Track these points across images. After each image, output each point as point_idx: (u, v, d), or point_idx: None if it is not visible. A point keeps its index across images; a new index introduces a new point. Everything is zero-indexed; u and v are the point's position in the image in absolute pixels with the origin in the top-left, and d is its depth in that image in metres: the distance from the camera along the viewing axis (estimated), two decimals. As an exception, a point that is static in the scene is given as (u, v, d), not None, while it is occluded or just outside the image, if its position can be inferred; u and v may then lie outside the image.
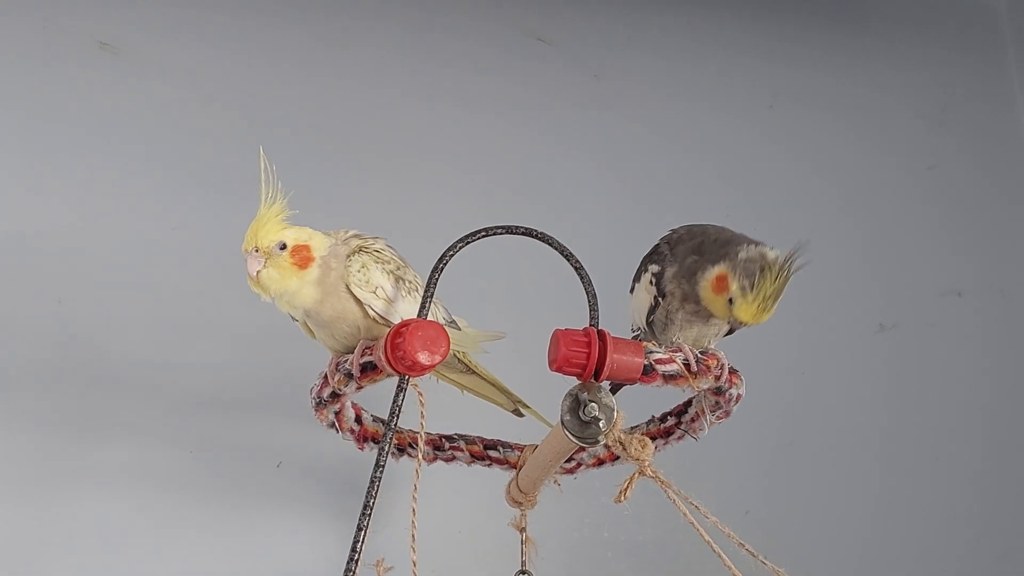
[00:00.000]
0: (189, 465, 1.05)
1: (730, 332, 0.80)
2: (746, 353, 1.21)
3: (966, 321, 1.33)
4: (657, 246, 0.77)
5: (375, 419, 0.81)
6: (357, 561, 0.60)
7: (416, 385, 0.67)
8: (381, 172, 1.21)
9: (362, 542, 0.61)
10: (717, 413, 0.76)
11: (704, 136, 1.35)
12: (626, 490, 0.64)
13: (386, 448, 0.62)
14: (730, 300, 0.71)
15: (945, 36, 1.47)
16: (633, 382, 0.68)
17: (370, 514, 0.62)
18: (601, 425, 0.64)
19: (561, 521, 1.10)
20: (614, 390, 0.87)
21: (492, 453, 0.86)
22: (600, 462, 0.86)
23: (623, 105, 1.33)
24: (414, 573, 0.65)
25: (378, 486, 0.63)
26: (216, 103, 1.19)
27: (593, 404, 0.64)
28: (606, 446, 0.70)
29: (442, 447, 0.86)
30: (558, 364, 0.65)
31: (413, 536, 0.65)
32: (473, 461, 0.87)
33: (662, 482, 0.63)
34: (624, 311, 0.87)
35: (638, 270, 0.79)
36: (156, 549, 1.02)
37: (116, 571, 1.00)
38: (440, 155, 1.24)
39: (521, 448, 0.87)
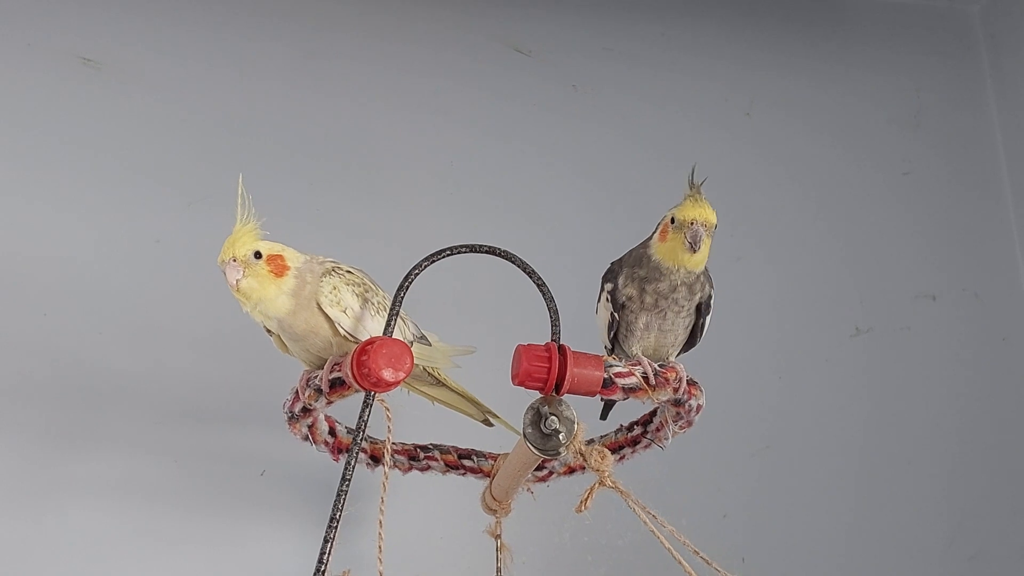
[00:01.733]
0: (175, 474, 1.07)
1: (694, 338, 0.81)
2: (723, 358, 1.24)
3: (941, 324, 1.35)
4: (611, 264, 0.80)
5: (349, 431, 0.83)
6: (324, 572, 0.61)
7: (383, 400, 0.68)
8: (360, 183, 1.23)
9: (329, 552, 0.62)
10: (679, 423, 0.78)
11: (682, 144, 1.36)
12: (586, 500, 0.66)
13: (352, 463, 0.64)
14: (672, 220, 0.74)
15: (919, 41, 1.49)
16: (594, 395, 0.70)
17: (336, 526, 0.64)
18: (562, 437, 0.66)
19: (541, 526, 1.12)
20: (607, 407, 0.89)
21: (466, 462, 0.88)
22: (571, 470, 0.87)
23: (601, 114, 1.35)
24: (381, 582, 0.67)
25: (344, 499, 0.64)
26: (197, 116, 1.21)
27: (554, 417, 0.66)
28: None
29: (417, 457, 0.88)
30: (520, 379, 0.67)
31: (380, 547, 0.67)
32: (448, 470, 0.89)
33: (621, 492, 0.65)
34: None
35: (599, 290, 0.81)
36: (142, 557, 1.04)
37: (100, 579, 1.02)
38: (418, 166, 1.26)
39: (494, 457, 0.89)
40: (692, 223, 0.72)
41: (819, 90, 1.43)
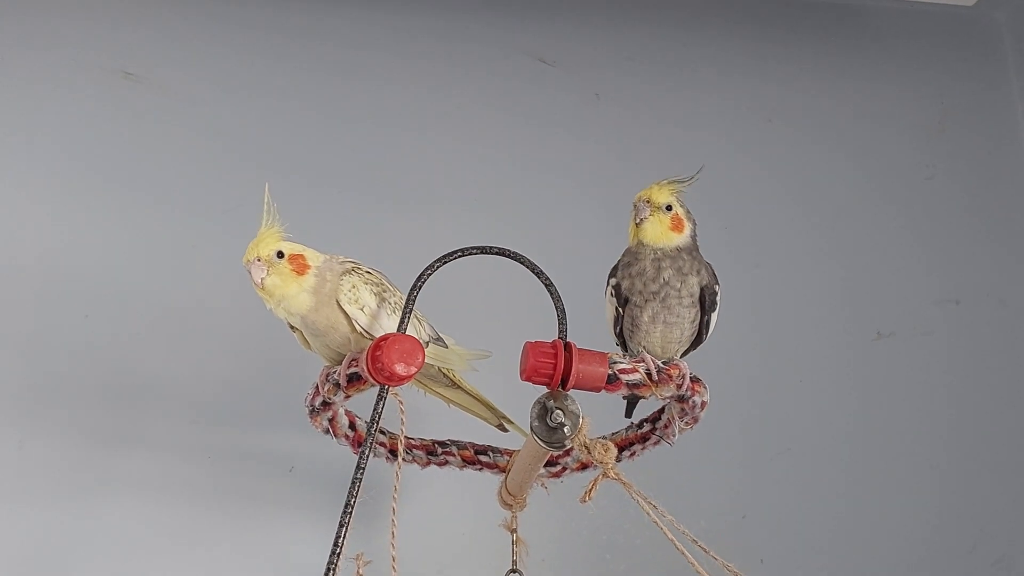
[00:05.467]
0: (207, 471, 1.11)
1: (700, 336, 0.84)
2: (744, 361, 1.26)
3: (964, 329, 1.34)
4: (617, 261, 0.83)
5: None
6: (339, 555, 0.65)
7: (396, 394, 0.72)
8: (384, 192, 1.26)
9: (344, 536, 0.66)
10: (685, 419, 0.80)
11: (704, 150, 1.37)
12: (590, 491, 0.68)
13: (366, 452, 0.67)
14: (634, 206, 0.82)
15: (944, 45, 1.49)
16: (599, 390, 0.72)
17: (351, 511, 0.67)
18: (567, 431, 0.68)
19: (559, 524, 1.14)
20: (631, 404, 0.92)
21: (483, 458, 0.91)
22: (584, 466, 0.90)
23: (623, 122, 1.37)
24: (393, 568, 0.70)
25: (359, 486, 0.68)
26: (231, 127, 1.26)
27: (559, 411, 0.69)
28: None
29: (435, 452, 0.91)
30: (527, 374, 0.70)
31: (393, 533, 0.70)
32: (465, 466, 0.91)
33: (624, 483, 0.68)
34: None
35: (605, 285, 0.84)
36: (177, 550, 1.08)
37: (138, 574, 1.07)
38: (442, 174, 1.29)
39: (510, 453, 0.91)
40: (636, 203, 0.81)
41: (842, 96, 1.43)
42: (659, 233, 0.80)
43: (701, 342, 0.84)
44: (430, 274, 0.73)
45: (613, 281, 0.82)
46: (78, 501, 1.07)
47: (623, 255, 0.83)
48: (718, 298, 0.81)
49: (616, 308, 0.81)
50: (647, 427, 0.86)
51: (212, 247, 1.20)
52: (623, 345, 0.83)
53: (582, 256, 1.23)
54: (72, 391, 1.11)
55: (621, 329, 0.82)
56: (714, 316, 0.82)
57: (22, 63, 1.24)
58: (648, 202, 0.80)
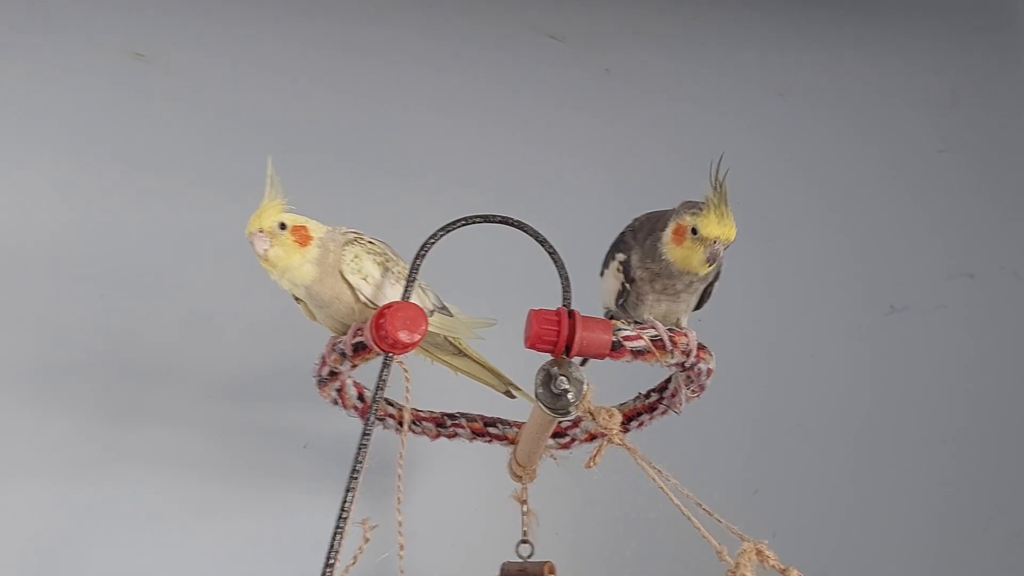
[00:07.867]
0: (221, 448, 1.12)
1: (701, 302, 0.83)
2: (755, 336, 1.25)
3: (977, 303, 1.33)
4: (622, 234, 0.81)
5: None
6: (346, 519, 0.66)
7: (401, 362, 0.73)
8: (393, 168, 1.27)
9: (350, 502, 0.67)
10: (692, 388, 0.80)
11: (715, 124, 1.37)
12: (595, 456, 0.69)
13: (371, 419, 0.68)
14: (693, 231, 0.73)
15: (957, 16, 1.47)
16: (603, 357, 0.73)
17: (357, 478, 0.68)
18: (571, 397, 0.69)
19: (572, 498, 1.13)
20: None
21: (492, 430, 0.91)
22: (592, 437, 0.90)
23: (634, 97, 1.37)
24: (399, 534, 0.71)
25: (366, 452, 0.69)
26: (242, 106, 1.26)
27: (563, 377, 0.69)
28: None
29: (444, 424, 0.91)
30: (531, 341, 0.70)
31: (398, 499, 0.71)
32: (474, 438, 0.92)
33: (628, 448, 0.68)
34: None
35: (606, 257, 0.83)
36: (191, 525, 1.09)
37: (153, 548, 1.08)
38: (450, 150, 1.29)
39: (519, 425, 0.92)
40: (715, 241, 0.73)
41: (853, 69, 1.42)
42: (706, 266, 0.75)
43: (701, 307, 0.83)
44: (433, 243, 0.74)
45: (622, 257, 0.79)
46: (94, 476, 1.09)
47: (642, 246, 0.78)
48: (721, 269, 0.80)
49: (623, 284, 0.79)
50: (654, 397, 0.86)
51: (225, 224, 1.19)
52: (623, 316, 0.82)
53: (589, 229, 1.23)
54: (88, 369, 1.12)
55: (624, 301, 0.81)
56: (716, 284, 0.81)
57: (34, 44, 1.25)
58: (726, 244, 0.73)
